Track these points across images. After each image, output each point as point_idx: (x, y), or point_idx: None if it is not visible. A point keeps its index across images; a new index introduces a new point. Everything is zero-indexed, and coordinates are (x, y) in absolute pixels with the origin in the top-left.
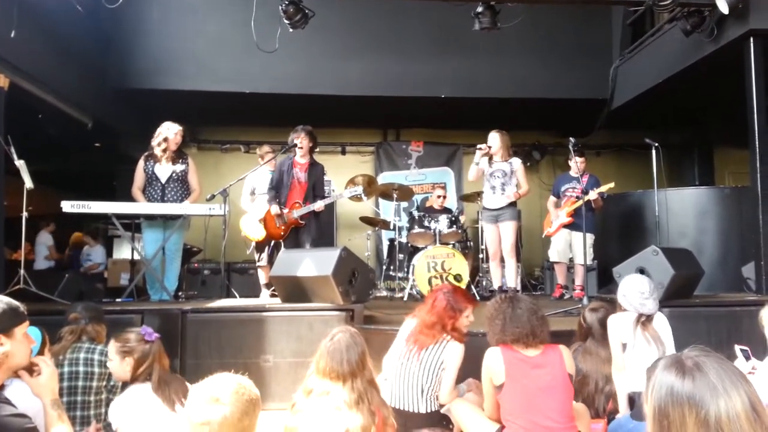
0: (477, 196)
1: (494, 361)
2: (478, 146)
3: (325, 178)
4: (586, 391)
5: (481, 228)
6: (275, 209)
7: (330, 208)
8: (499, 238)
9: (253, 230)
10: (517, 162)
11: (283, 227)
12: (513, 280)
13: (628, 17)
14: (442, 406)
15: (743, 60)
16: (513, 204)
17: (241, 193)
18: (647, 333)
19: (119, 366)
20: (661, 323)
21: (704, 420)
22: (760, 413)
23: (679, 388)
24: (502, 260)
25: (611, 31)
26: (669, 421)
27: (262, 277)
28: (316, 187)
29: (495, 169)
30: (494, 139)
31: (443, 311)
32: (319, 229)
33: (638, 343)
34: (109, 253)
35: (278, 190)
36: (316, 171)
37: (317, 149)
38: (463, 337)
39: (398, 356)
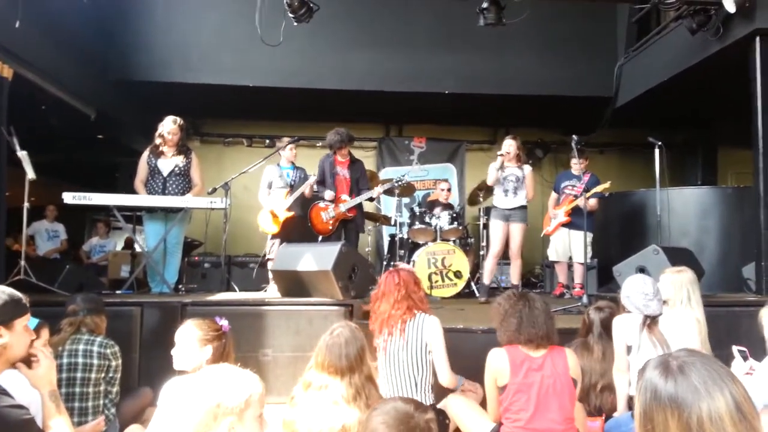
0: (478, 191)
1: (500, 361)
2: (499, 153)
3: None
4: (581, 387)
5: (482, 225)
6: (328, 214)
7: None
8: (506, 236)
9: (267, 224)
10: (528, 169)
11: (331, 221)
12: (517, 278)
13: (633, 15)
14: (439, 399)
15: (749, 59)
16: (524, 206)
17: (259, 186)
18: (653, 336)
19: (197, 353)
20: (686, 321)
21: (686, 423)
22: (746, 414)
23: (662, 390)
24: (500, 260)
25: (616, 29)
26: (653, 425)
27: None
28: (359, 182)
29: (508, 174)
30: (511, 145)
31: (407, 283)
32: (363, 221)
33: (644, 346)
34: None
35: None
36: (357, 167)
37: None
38: (429, 309)
39: (383, 353)
